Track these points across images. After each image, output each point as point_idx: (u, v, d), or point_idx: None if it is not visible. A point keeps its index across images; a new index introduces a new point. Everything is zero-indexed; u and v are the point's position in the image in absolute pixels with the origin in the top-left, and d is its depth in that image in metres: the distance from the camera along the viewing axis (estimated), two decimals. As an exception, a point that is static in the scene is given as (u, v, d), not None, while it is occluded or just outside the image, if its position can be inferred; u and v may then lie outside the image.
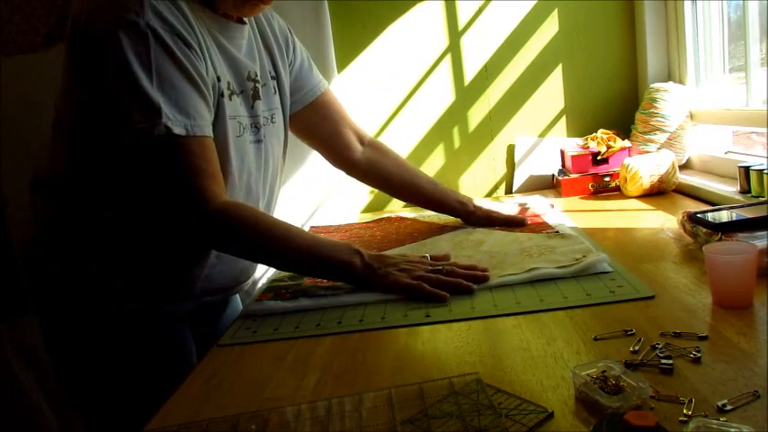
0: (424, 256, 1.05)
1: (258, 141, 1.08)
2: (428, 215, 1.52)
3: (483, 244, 1.17)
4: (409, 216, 1.57)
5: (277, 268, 1.10)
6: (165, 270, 1.03)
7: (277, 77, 1.17)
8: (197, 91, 0.91)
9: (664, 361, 0.63)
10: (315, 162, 1.78)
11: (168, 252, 1.02)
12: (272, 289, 1.06)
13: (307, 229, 1.58)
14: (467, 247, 1.17)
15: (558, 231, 1.19)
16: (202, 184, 0.91)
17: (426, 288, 0.92)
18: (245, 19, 1.07)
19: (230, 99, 1.00)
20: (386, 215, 1.64)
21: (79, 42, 0.90)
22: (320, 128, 1.31)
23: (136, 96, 0.86)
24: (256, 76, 1.08)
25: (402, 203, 1.86)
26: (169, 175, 0.91)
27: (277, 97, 1.16)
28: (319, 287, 1.03)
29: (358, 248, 0.99)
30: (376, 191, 1.86)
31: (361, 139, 1.36)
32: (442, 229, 1.36)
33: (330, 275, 1.02)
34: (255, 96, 1.07)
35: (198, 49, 0.93)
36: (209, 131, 0.92)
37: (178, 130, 0.87)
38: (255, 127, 1.07)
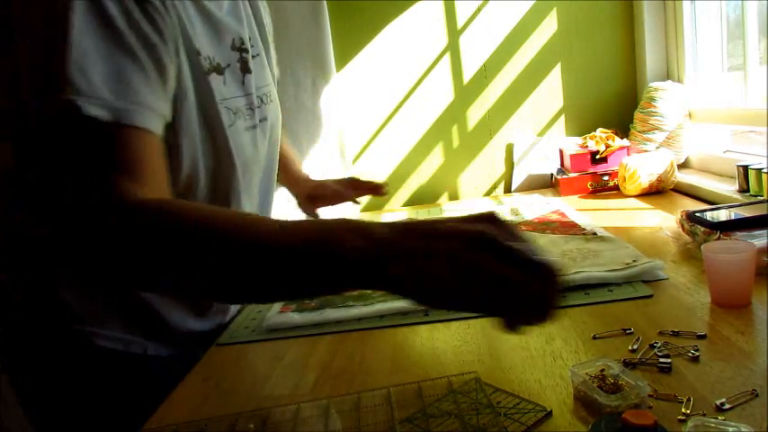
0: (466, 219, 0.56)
1: (253, 127, 0.90)
2: (446, 217, 1.49)
3: None
4: (422, 219, 1.55)
5: (208, 288, 0.61)
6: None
7: (265, 49, 0.98)
8: (141, 70, 0.67)
9: (662, 360, 0.63)
10: (313, 160, 1.78)
11: None
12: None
13: None
14: None
15: (595, 233, 1.12)
16: (112, 177, 0.62)
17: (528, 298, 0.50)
18: None
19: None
20: (402, 219, 1.59)
21: None
22: None
23: (43, 64, 0.64)
24: (243, 43, 0.88)
25: (400, 202, 1.86)
26: (70, 163, 0.64)
27: (269, 71, 0.98)
28: (347, 296, 0.95)
29: (362, 223, 0.55)
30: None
31: None
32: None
33: (307, 281, 0.56)
34: (245, 69, 0.88)
35: (161, 6, 0.69)
36: (143, 122, 0.65)
37: (94, 112, 0.62)
38: (250, 109, 0.89)
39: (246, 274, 0.57)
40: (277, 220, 0.59)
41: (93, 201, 0.62)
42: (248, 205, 0.92)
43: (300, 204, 1.29)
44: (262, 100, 0.93)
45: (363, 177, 1.28)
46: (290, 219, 0.61)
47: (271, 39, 1.04)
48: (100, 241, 0.60)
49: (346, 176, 1.28)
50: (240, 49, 0.88)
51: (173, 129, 0.74)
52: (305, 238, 0.55)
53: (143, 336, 0.85)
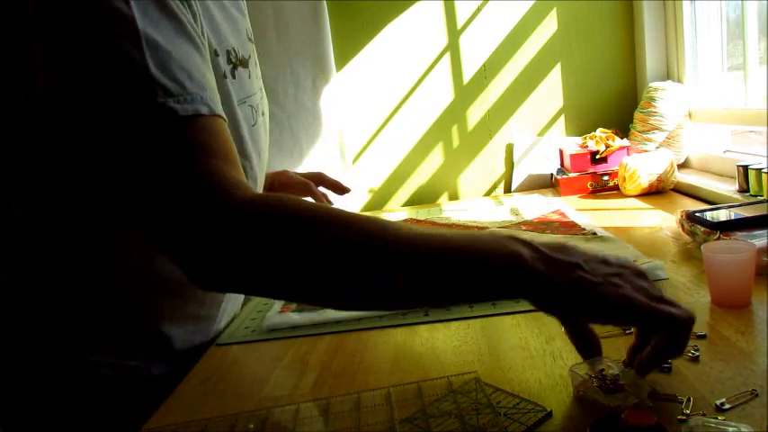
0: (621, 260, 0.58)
1: (262, 115, 0.87)
2: (444, 216, 1.51)
3: None
4: (421, 218, 1.56)
5: (368, 294, 0.57)
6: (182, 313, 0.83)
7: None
8: (201, 56, 0.63)
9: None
10: (313, 160, 1.78)
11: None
12: None
13: None
14: None
15: (595, 233, 1.12)
16: (221, 168, 0.58)
17: (675, 314, 0.54)
18: None
19: (234, 76, 0.76)
20: (402, 219, 1.62)
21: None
22: None
23: (107, 67, 0.57)
24: (251, 34, 0.86)
25: (400, 202, 1.86)
26: (168, 164, 0.58)
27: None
28: None
29: (514, 234, 0.56)
30: (375, 189, 1.86)
31: None
32: (464, 231, 1.29)
33: (478, 287, 0.54)
34: (257, 62, 0.87)
35: (195, 3, 0.65)
36: (220, 109, 0.63)
37: (189, 109, 0.58)
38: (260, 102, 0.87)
39: (418, 281, 0.54)
40: (430, 229, 0.60)
41: (207, 193, 0.57)
42: None
43: None
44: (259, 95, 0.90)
45: (330, 176, 1.19)
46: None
47: None
48: (243, 238, 0.55)
49: (313, 171, 1.19)
50: (250, 39, 0.85)
51: None
52: (481, 246, 0.54)
53: (146, 359, 0.80)
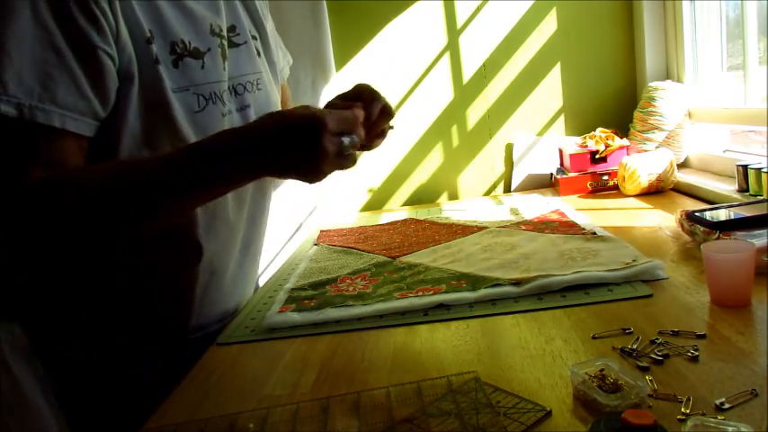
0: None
1: (229, 113, 0.91)
2: (444, 216, 1.51)
3: (515, 247, 1.10)
4: (420, 218, 1.56)
5: (152, 215, 0.74)
6: (152, 301, 0.90)
7: (260, 38, 1.03)
8: (65, 66, 0.71)
9: (657, 352, 0.64)
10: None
11: (152, 275, 0.88)
12: (294, 299, 0.99)
13: (317, 233, 1.54)
14: (498, 252, 1.10)
15: (595, 233, 1.12)
16: (31, 174, 0.70)
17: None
18: None
19: (176, 65, 0.83)
20: (402, 219, 1.60)
21: None
22: None
23: None
24: (221, 30, 0.92)
25: (400, 202, 1.86)
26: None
27: (263, 60, 1.02)
28: (346, 296, 0.97)
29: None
30: (375, 189, 1.86)
31: None
32: (463, 230, 1.31)
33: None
34: (224, 55, 0.91)
35: (104, 3, 0.73)
36: (63, 123, 0.71)
37: (3, 108, 0.67)
38: (235, 92, 0.93)
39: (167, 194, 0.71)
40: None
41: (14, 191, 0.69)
42: (236, 200, 0.94)
43: None
44: (245, 87, 0.95)
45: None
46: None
47: (270, 29, 1.07)
48: (32, 220, 0.70)
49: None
50: (219, 35, 0.91)
51: (112, 118, 0.77)
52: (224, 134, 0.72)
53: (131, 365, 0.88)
